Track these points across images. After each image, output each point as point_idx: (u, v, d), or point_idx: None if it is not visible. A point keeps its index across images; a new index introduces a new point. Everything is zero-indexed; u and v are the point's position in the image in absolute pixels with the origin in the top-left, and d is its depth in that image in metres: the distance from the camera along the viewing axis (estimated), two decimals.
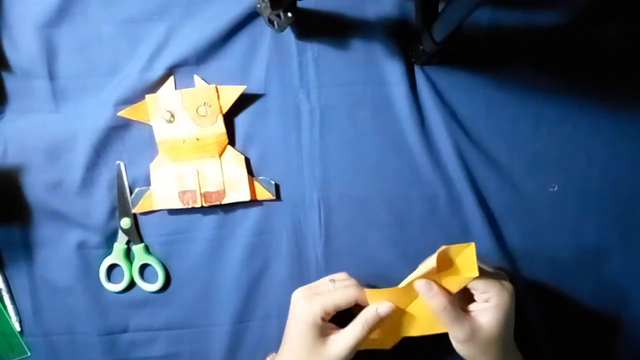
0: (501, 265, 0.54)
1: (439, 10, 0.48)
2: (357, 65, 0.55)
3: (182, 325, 0.56)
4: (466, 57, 0.54)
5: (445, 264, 0.45)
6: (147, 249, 0.56)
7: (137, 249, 0.56)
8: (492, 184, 0.55)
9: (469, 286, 0.46)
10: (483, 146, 0.55)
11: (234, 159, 0.55)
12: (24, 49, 0.55)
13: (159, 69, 0.54)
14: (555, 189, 0.55)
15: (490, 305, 0.45)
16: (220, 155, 0.55)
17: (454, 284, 0.46)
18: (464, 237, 0.55)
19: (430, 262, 0.45)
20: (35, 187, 0.55)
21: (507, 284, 0.46)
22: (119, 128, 0.55)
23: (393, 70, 0.54)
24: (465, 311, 0.46)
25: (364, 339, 0.46)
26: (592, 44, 0.55)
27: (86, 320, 0.56)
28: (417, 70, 0.55)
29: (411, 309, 0.48)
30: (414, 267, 0.55)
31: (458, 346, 0.46)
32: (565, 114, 0.55)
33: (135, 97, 0.54)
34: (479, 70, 0.55)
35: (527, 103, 0.55)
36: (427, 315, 0.47)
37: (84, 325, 0.56)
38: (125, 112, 0.54)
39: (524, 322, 0.55)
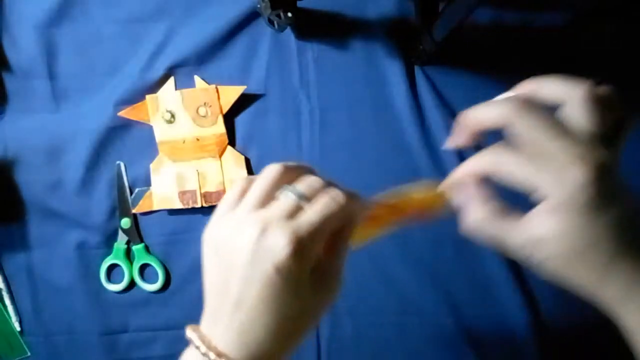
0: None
1: (439, 10, 0.48)
2: (357, 65, 0.55)
3: (182, 325, 0.56)
4: (466, 57, 0.54)
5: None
6: (147, 249, 0.56)
7: (137, 249, 0.56)
8: None
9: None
10: (483, 146, 0.55)
11: (234, 159, 0.55)
12: (24, 49, 0.55)
13: (159, 69, 0.54)
14: None
15: (547, 206, 0.27)
16: (220, 156, 0.55)
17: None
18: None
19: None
20: (35, 187, 0.55)
21: (582, 176, 0.26)
22: (119, 128, 0.55)
23: (393, 70, 0.54)
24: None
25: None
26: (592, 44, 0.55)
27: (86, 320, 0.56)
28: (417, 70, 0.55)
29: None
30: (414, 268, 0.55)
31: (529, 263, 0.29)
32: None
33: (135, 97, 0.54)
34: (479, 70, 0.55)
35: None
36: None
37: (84, 325, 0.56)
38: (125, 112, 0.54)
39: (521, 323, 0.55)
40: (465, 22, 0.44)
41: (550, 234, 0.27)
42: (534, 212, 0.28)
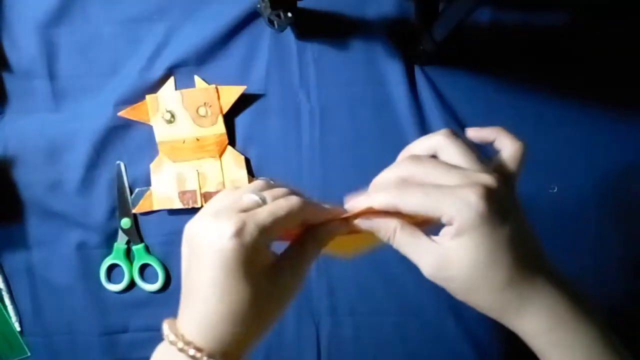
0: None
1: (439, 10, 0.48)
2: (357, 65, 0.55)
3: None
4: (466, 57, 0.54)
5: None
6: (147, 249, 0.56)
7: (137, 249, 0.56)
8: None
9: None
10: (482, 147, 0.55)
11: (234, 159, 0.55)
12: (24, 49, 0.55)
13: (159, 69, 0.54)
14: (555, 190, 0.55)
15: (452, 229, 0.29)
16: (220, 156, 0.55)
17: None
18: None
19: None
20: (35, 187, 0.55)
21: (472, 196, 0.29)
22: (119, 128, 0.55)
23: (393, 70, 0.54)
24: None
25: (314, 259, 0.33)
26: (592, 44, 0.55)
27: (86, 320, 0.56)
28: (417, 70, 0.55)
29: None
30: (414, 268, 0.55)
31: (440, 283, 0.32)
32: (565, 115, 0.55)
33: (135, 97, 0.54)
34: (479, 70, 0.55)
35: (527, 103, 0.55)
36: None
37: (84, 325, 0.56)
38: (125, 112, 0.54)
39: None
40: (465, 22, 0.44)
41: (454, 253, 0.30)
42: (441, 234, 0.31)
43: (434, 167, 0.31)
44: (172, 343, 0.29)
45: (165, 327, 0.31)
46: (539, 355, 0.31)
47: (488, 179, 0.30)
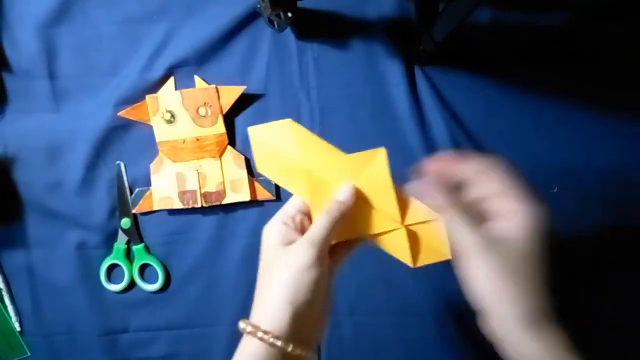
0: None
1: (439, 10, 0.48)
2: (357, 65, 0.55)
3: (183, 325, 0.56)
4: (466, 57, 0.54)
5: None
6: (147, 249, 0.56)
7: (137, 249, 0.56)
8: None
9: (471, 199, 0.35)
10: (483, 147, 0.55)
11: (234, 159, 0.55)
12: (24, 49, 0.55)
13: (159, 69, 0.54)
14: (555, 190, 0.55)
15: (513, 222, 0.33)
16: (220, 156, 0.55)
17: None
18: None
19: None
20: (35, 187, 0.55)
21: (542, 205, 0.34)
22: (119, 128, 0.55)
23: (393, 70, 0.54)
24: None
25: (331, 233, 0.38)
26: (592, 45, 0.55)
27: (86, 320, 0.56)
28: (417, 70, 0.55)
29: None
30: (414, 268, 0.55)
31: (473, 267, 0.32)
32: (565, 115, 0.55)
33: (135, 97, 0.54)
34: (479, 70, 0.55)
35: (527, 103, 0.55)
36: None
37: (84, 325, 0.56)
38: (125, 112, 0.54)
39: None
40: (465, 22, 0.44)
41: (514, 233, 0.32)
42: (499, 224, 0.33)
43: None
44: (250, 333, 0.33)
45: (243, 323, 0.34)
46: None
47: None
